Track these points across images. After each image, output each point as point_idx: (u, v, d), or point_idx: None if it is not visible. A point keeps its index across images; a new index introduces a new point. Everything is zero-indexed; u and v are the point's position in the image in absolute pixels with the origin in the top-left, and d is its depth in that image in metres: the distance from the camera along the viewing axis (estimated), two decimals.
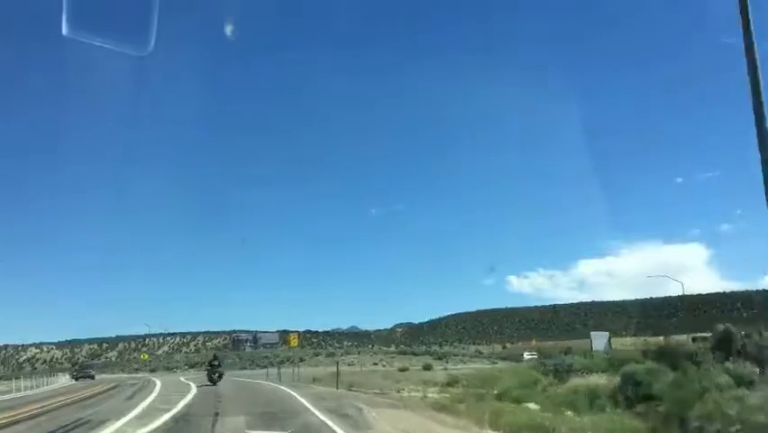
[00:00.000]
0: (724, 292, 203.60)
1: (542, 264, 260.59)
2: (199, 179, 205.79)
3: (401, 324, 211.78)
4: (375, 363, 57.57)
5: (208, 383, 30.50)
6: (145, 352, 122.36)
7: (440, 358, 60.13)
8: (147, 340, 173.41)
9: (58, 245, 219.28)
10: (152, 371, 74.62)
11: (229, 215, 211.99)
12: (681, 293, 67.71)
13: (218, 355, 39.08)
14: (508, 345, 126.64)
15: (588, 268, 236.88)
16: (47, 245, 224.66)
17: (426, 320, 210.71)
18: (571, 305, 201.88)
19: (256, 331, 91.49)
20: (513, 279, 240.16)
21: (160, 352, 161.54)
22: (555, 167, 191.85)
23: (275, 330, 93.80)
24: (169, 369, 75.71)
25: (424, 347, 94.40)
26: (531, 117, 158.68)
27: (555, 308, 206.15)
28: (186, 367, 73.65)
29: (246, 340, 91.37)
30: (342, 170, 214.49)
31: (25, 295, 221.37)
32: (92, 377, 55.55)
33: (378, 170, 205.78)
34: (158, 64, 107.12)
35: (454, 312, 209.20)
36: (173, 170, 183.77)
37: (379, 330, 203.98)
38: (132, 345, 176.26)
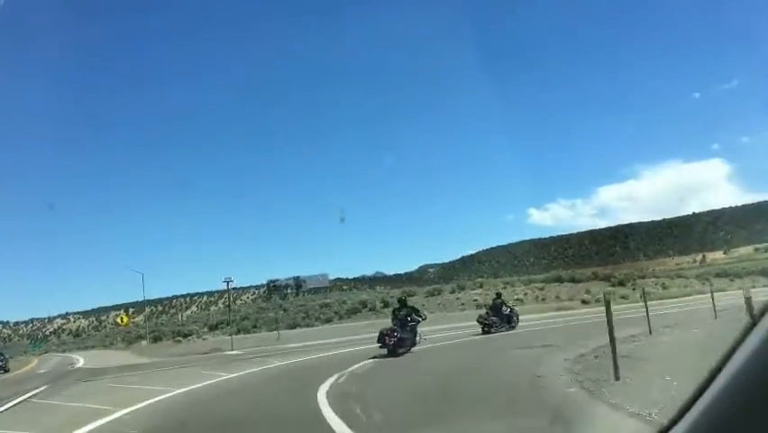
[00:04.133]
0: (745, 205, 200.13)
1: (562, 195, 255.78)
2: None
3: (428, 265, 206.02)
4: (524, 295, 45.38)
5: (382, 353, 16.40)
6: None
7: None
8: (173, 302, 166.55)
9: None
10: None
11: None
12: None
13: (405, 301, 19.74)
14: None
15: (609, 194, 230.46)
16: None
17: (454, 259, 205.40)
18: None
19: (298, 276, 76.82)
20: (533, 211, 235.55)
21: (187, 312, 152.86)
22: (571, 93, 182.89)
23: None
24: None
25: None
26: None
27: (592, 234, 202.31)
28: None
29: (287, 287, 76.14)
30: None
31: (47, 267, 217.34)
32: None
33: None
34: None
35: (480, 249, 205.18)
36: None
37: (408, 273, 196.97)
38: (160, 307, 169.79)
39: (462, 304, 42.76)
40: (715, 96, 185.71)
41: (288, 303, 55.39)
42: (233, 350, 28.45)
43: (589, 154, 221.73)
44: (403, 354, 16.39)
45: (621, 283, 43.72)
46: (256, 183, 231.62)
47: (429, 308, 43.13)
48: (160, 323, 76.40)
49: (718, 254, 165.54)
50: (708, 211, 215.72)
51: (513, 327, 23.33)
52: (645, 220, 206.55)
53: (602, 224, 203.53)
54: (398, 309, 18.14)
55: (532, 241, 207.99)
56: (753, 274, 43.47)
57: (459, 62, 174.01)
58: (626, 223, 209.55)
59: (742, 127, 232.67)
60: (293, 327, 44.37)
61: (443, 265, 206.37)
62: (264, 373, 16.24)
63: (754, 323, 0.88)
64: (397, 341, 16.46)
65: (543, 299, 42.69)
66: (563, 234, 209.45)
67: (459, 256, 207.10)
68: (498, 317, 23.23)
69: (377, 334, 17.23)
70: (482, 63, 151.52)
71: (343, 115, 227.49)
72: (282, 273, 76.08)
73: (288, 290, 73.32)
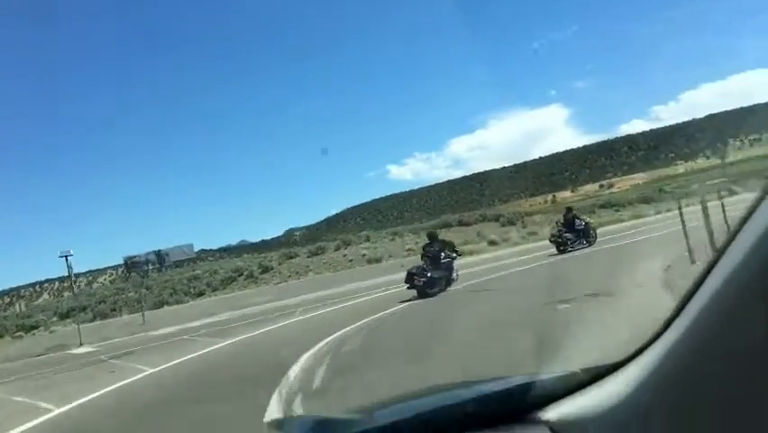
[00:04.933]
0: (586, 146, 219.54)
1: (417, 149, 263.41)
2: None
3: (293, 229, 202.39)
4: (415, 244, 42.12)
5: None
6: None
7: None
8: (22, 292, 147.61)
9: None
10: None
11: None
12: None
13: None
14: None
15: (461, 145, 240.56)
16: None
17: (319, 220, 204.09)
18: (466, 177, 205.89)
19: (159, 249, 68.64)
20: (393, 167, 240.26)
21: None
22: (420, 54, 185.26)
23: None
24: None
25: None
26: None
27: (450, 185, 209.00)
28: None
29: (147, 262, 68.05)
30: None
31: None
32: None
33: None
34: None
35: (343, 208, 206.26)
36: None
37: (275, 238, 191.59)
38: (7, 299, 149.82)
39: (351, 261, 39.00)
40: (549, 44, 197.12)
41: (150, 280, 48.56)
42: (81, 346, 20.23)
43: (440, 108, 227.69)
44: (435, 294, 14.87)
45: (510, 222, 42.12)
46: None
47: (315, 268, 39.01)
48: (4, 317, 64.86)
49: (567, 193, 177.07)
50: (553, 154, 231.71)
51: (591, 244, 20.92)
52: (497, 167, 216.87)
53: (458, 174, 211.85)
54: (429, 245, 16.44)
55: (393, 196, 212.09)
56: (634, 203, 43.95)
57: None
58: (479, 171, 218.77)
59: (576, 72, 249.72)
60: (160, 305, 38.16)
61: (308, 227, 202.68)
62: (119, 400, 8.70)
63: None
64: (428, 281, 15.01)
65: None
66: (423, 186, 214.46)
67: (323, 217, 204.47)
68: (572, 234, 20.83)
69: (276, 305, 15.80)
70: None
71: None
72: (140, 249, 67.35)
73: (149, 266, 65.68)
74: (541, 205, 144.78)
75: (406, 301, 14.47)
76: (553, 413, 1.23)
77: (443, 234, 43.48)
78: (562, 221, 21.66)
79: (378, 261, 36.94)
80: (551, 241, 21.16)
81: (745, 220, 0.77)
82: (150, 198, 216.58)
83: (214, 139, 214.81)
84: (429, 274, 15.16)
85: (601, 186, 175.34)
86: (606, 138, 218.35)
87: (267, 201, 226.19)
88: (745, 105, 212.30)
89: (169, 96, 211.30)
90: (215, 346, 12.88)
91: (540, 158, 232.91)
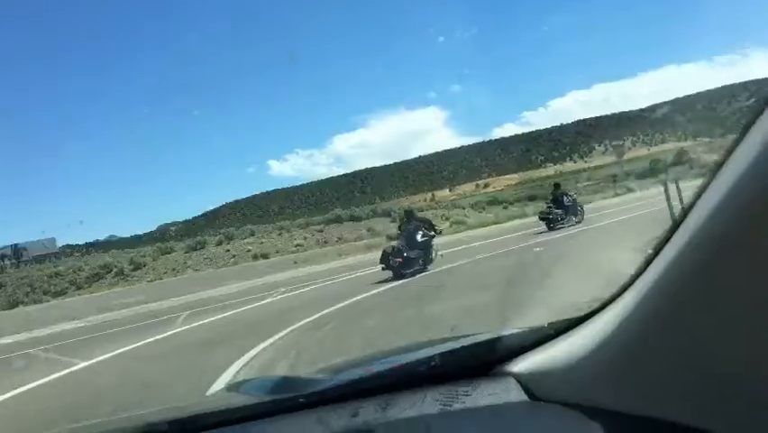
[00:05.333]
0: (462, 147, 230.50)
1: (299, 145, 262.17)
2: None
3: (167, 224, 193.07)
4: (304, 240, 39.45)
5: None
6: None
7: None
8: None
9: None
10: None
11: None
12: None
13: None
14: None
15: (343, 142, 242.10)
16: None
17: (196, 215, 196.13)
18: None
19: (16, 243, 61.48)
20: (273, 163, 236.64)
21: None
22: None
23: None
24: None
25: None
26: None
27: (332, 181, 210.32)
28: None
29: (2, 257, 60.62)
30: None
31: None
32: None
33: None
34: None
35: (222, 203, 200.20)
36: None
37: (148, 233, 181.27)
38: None
39: (234, 256, 36.19)
40: (427, 47, 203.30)
41: (5, 276, 42.69)
42: None
43: (322, 106, 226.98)
44: (411, 275, 13.87)
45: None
46: None
47: (195, 264, 35.83)
48: None
49: (445, 192, 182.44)
50: (431, 154, 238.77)
51: (580, 222, 20.48)
52: (378, 165, 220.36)
53: (339, 171, 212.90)
54: (405, 223, 15.66)
55: (275, 191, 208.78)
56: (522, 200, 44.65)
57: None
58: (361, 169, 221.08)
59: (453, 76, 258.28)
60: (13, 305, 33.19)
61: (184, 222, 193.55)
62: None
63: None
64: (404, 261, 14.03)
65: (325, 242, 38.14)
66: (305, 183, 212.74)
67: (201, 212, 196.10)
68: (562, 210, 20.40)
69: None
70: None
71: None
72: None
73: (4, 261, 58.51)
74: (423, 203, 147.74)
75: (379, 284, 13.00)
76: (518, 366, 1.23)
77: (332, 230, 41.86)
78: (550, 197, 21.45)
79: (265, 256, 34.55)
80: (540, 218, 20.74)
81: (703, 189, 0.79)
82: (7, 190, 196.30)
83: (78, 126, 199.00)
84: (405, 254, 14.22)
85: (477, 185, 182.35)
86: (481, 140, 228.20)
87: (138, 194, 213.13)
88: (607, 113, 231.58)
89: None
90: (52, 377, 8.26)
91: (419, 157, 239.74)
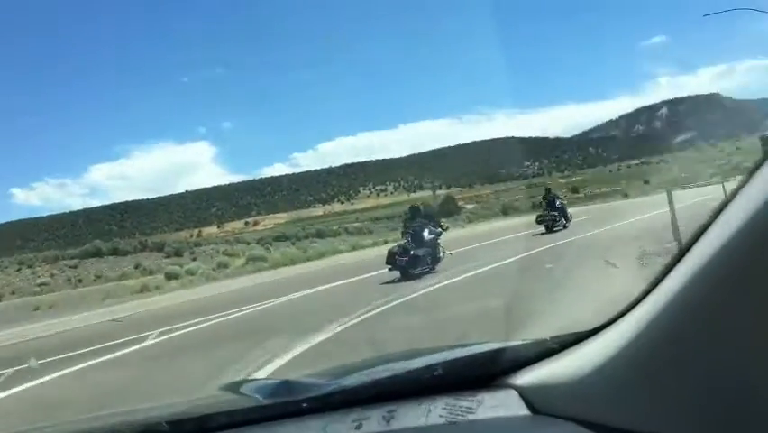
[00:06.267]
0: (232, 184, 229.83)
1: (48, 173, 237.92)
2: None
3: None
4: (51, 277, 32.82)
5: None
6: None
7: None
8: None
9: None
10: None
11: None
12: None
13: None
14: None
15: (101, 172, 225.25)
16: None
17: None
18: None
19: None
20: (17, 191, 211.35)
21: None
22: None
23: None
24: None
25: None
26: None
27: (86, 213, 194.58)
28: None
29: None
30: None
31: None
32: None
33: None
34: None
35: None
36: None
37: None
38: None
39: None
40: (197, 79, 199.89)
41: None
42: None
43: (78, 131, 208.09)
44: (420, 274, 13.55)
45: (177, 254, 38.30)
46: None
47: None
48: None
49: (213, 229, 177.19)
50: (199, 189, 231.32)
51: (566, 227, 21.38)
52: (140, 198, 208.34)
53: (95, 203, 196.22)
54: (411, 220, 15.33)
55: (19, 222, 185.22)
56: (346, 233, 45.76)
57: None
58: (121, 201, 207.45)
59: (225, 112, 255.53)
60: None
61: None
62: None
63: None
64: (411, 260, 13.70)
65: (79, 281, 33.84)
66: (54, 214, 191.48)
67: None
68: (557, 212, 21.34)
69: None
70: None
71: None
72: None
73: None
74: (190, 239, 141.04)
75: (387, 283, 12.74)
76: (521, 378, 1.22)
77: (90, 266, 37.40)
78: (544, 201, 22.29)
79: None
80: (538, 222, 21.32)
81: (720, 211, 0.81)
82: None
83: None
84: (412, 252, 13.87)
85: (246, 223, 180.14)
86: (251, 178, 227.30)
87: None
88: (372, 159, 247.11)
89: None
90: None
91: (186, 192, 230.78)
